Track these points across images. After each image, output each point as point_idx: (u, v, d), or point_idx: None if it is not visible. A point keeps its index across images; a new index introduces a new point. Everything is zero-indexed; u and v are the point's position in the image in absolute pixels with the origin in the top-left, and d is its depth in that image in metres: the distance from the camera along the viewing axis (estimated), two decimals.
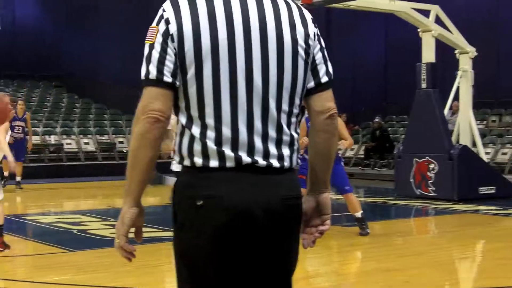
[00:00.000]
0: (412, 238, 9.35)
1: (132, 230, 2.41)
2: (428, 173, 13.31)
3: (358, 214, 8.73)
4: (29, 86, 25.04)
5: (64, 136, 20.41)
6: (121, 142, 21.12)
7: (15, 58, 25.32)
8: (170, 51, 2.33)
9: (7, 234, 8.10)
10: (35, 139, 19.48)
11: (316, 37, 2.49)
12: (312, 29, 2.47)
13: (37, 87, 25.12)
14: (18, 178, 14.89)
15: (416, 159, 13.51)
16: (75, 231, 9.28)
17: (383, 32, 22.98)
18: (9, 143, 14.44)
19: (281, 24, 2.39)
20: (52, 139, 20.06)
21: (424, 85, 13.44)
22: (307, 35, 2.44)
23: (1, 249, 7.62)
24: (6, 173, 13.87)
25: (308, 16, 2.50)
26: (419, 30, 13.56)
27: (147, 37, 2.37)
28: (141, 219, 2.42)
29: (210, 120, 2.34)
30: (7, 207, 12.94)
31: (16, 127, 15.13)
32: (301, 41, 2.42)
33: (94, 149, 20.39)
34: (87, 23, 25.36)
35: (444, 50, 14.44)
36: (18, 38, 25.55)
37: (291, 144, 2.44)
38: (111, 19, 24.95)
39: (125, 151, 20.72)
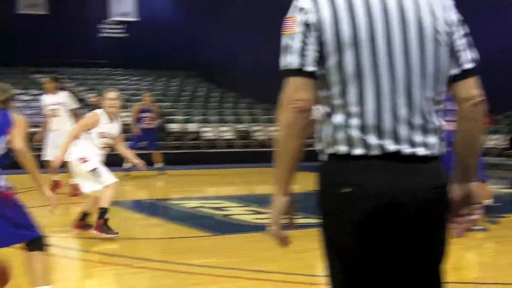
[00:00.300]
0: None
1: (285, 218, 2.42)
2: None
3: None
4: (168, 76, 25.75)
5: (203, 125, 20.85)
6: (257, 131, 21.35)
7: (154, 49, 26.10)
8: (311, 40, 2.33)
9: (153, 218, 8.30)
10: (175, 127, 20.03)
11: (458, 23, 2.45)
12: (453, 15, 2.44)
13: (176, 77, 25.79)
14: (159, 165, 15.30)
15: None
16: (218, 216, 9.41)
17: None
18: (137, 134, 15.07)
19: (420, 12, 2.36)
20: (191, 127, 20.53)
21: None
22: (448, 22, 2.41)
23: (100, 233, 7.56)
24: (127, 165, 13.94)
25: (449, 2, 2.45)
26: None
27: (284, 27, 2.39)
28: (294, 207, 2.45)
29: (353, 108, 2.32)
30: (151, 191, 13.39)
31: (144, 118, 15.61)
32: (442, 28, 2.38)
33: (231, 137, 20.71)
34: (224, 14, 25.76)
35: None
36: (157, 30, 26.32)
37: (435, 132, 2.40)
38: (248, 10, 25.19)
39: (260, 139, 20.96)
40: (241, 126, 21.30)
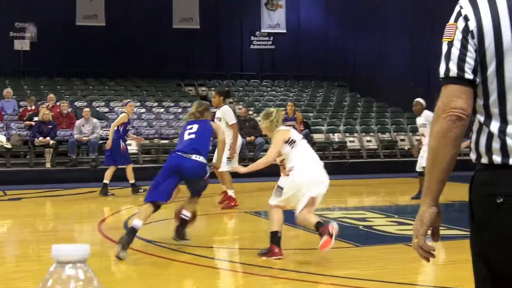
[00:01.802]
0: None
1: (430, 230, 2.41)
2: None
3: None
4: (313, 86, 26.00)
5: (347, 134, 20.90)
6: (402, 140, 21.11)
7: (300, 60, 26.43)
8: (471, 47, 2.30)
9: (295, 228, 8.38)
10: (319, 137, 20.22)
11: None
12: None
13: (321, 87, 25.98)
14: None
15: None
16: (360, 227, 9.44)
17: None
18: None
19: None
20: (336, 137, 20.63)
21: None
22: None
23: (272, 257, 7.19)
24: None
25: None
26: None
27: (445, 34, 2.37)
28: (439, 219, 2.42)
29: (510, 117, 2.28)
30: None
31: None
32: None
33: (376, 147, 20.62)
34: (371, 24, 25.67)
35: None
36: (303, 41, 26.63)
37: None
38: (396, 20, 24.97)
39: (406, 148, 20.71)
40: (385, 136, 21.17)
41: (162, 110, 21.48)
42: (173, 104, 22.13)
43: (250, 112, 21.36)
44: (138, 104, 21.30)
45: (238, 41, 26.39)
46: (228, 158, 11.27)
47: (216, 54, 25.97)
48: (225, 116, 11.55)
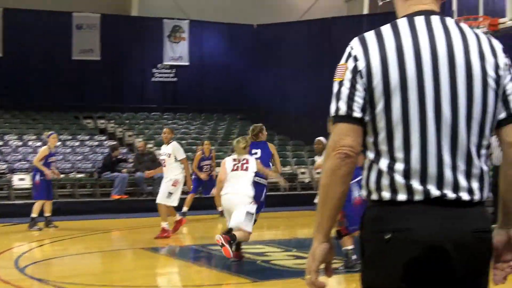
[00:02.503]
0: None
1: (322, 265, 2.42)
2: None
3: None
4: (215, 119, 25.99)
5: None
6: (303, 173, 21.28)
7: (203, 92, 26.40)
8: (359, 86, 2.36)
9: (194, 264, 8.29)
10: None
11: (507, 67, 2.44)
12: (503, 59, 2.44)
13: (223, 120, 26.01)
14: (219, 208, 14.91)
15: None
16: (258, 261, 9.38)
17: None
18: (200, 179, 15.63)
19: (469, 55, 2.37)
20: None
21: None
22: (497, 65, 2.41)
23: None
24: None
25: (498, 46, 2.46)
26: None
27: (335, 74, 2.44)
28: (332, 254, 2.44)
29: (398, 154, 2.34)
30: (193, 236, 13.40)
31: (205, 166, 16.24)
32: (491, 72, 2.39)
33: (276, 180, 20.62)
34: (271, 58, 26.00)
35: None
36: (206, 73, 26.65)
37: (481, 177, 2.38)
38: (296, 54, 25.40)
39: (306, 181, 20.88)
40: (286, 169, 21.30)
41: (59, 143, 20.91)
42: (70, 137, 21.61)
43: (150, 145, 21.10)
44: (34, 137, 20.70)
45: (140, 73, 26.11)
46: (170, 192, 11.89)
47: (117, 86, 25.56)
48: (174, 151, 12.04)
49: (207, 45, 26.93)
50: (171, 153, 12.00)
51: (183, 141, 22.95)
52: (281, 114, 25.29)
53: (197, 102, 26.21)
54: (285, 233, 13.88)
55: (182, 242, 12.48)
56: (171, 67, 26.39)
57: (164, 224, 11.88)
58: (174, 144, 12.17)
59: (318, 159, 12.43)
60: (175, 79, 26.53)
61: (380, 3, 26.82)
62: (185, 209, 14.99)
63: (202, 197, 16.59)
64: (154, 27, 25.83)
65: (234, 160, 8.97)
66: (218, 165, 19.70)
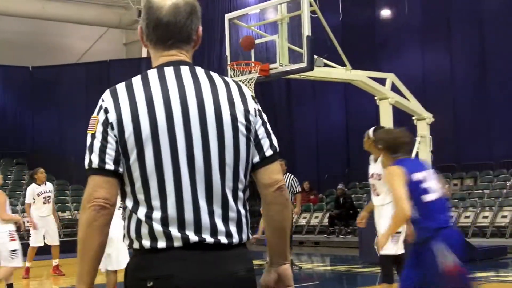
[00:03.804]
0: None
1: None
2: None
3: None
4: None
5: (25, 214, 20.11)
6: None
7: None
8: (111, 139, 2.39)
9: None
10: None
11: (257, 112, 2.53)
12: (252, 105, 2.52)
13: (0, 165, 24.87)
14: None
15: None
16: None
17: (343, 100, 23.35)
18: None
19: (219, 102, 2.44)
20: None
21: None
22: (247, 111, 2.48)
23: None
24: None
25: (248, 93, 2.54)
26: (376, 98, 13.81)
27: (88, 127, 2.45)
28: None
29: (155, 202, 2.37)
30: None
31: None
32: (241, 118, 2.46)
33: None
34: (49, 100, 25.40)
35: (403, 116, 14.71)
36: None
37: (238, 220, 2.45)
38: (75, 96, 25.04)
39: None
40: (66, 215, 20.80)
41: None
42: None
43: None
44: None
45: None
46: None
47: None
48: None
49: None
50: None
51: None
52: (60, 158, 24.71)
53: None
54: (66, 281, 13.48)
55: None
56: None
57: None
58: None
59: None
60: None
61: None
62: None
63: None
64: None
65: None
66: None
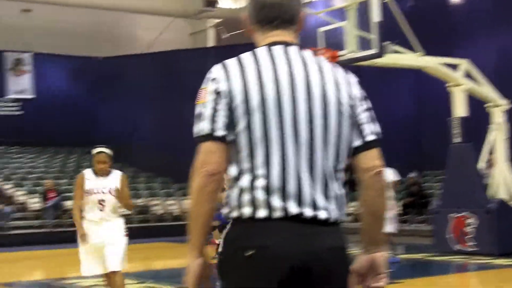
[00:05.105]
0: None
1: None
2: (466, 228, 13.13)
3: None
4: (65, 153, 25.40)
5: None
6: (155, 205, 21.20)
7: (50, 125, 25.73)
8: (222, 107, 2.43)
9: None
10: (70, 204, 19.69)
11: (361, 98, 2.59)
12: (357, 90, 2.58)
13: (73, 154, 25.45)
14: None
15: (453, 214, 13.35)
16: None
17: (414, 87, 22.97)
18: None
19: (326, 84, 2.49)
20: None
21: (457, 140, 13.37)
22: (351, 96, 2.54)
23: None
24: None
25: (353, 78, 2.60)
26: (448, 84, 13.55)
27: (198, 98, 2.48)
28: (208, 270, 2.47)
29: (260, 171, 2.40)
30: (48, 270, 13.02)
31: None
32: (346, 101, 2.52)
33: (129, 212, 20.46)
34: (118, 89, 25.86)
35: (476, 103, 14.36)
36: (53, 107, 26.03)
37: (337, 198, 2.48)
38: (145, 87, 25.41)
39: (159, 213, 20.80)
40: (139, 201, 21.16)
41: None
42: None
43: None
44: None
45: None
46: None
47: None
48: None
49: (52, 78, 26.40)
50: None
51: (31, 175, 22.30)
52: (131, 146, 25.14)
53: (45, 136, 25.50)
54: (140, 265, 13.74)
55: (31, 277, 12.09)
56: (15, 100, 25.58)
57: None
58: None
59: None
60: (20, 112, 25.73)
61: (224, 37, 27.40)
62: None
63: None
64: None
65: None
66: (65, 199, 19.35)
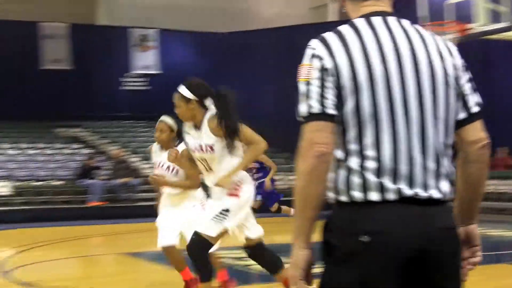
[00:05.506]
0: None
1: None
2: None
3: None
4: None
5: None
6: (279, 180, 21.38)
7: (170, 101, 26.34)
8: (329, 84, 2.32)
9: (169, 267, 8.21)
10: None
11: (464, 68, 2.49)
12: (459, 60, 2.48)
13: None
14: None
15: None
16: (238, 266, 9.34)
17: None
18: None
19: (430, 55, 2.39)
20: None
21: None
22: (455, 66, 2.45)
23: None
24: None
25: (454, 47, 2.50)
26: None
27: (300, 75, 2.37)
28: (313, 259, 2.37)
29: (370, 152, 2.31)
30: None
31: None
32: (451, 72, 2.42)
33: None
34: (242, 65, 26.14)
35: None
36: (179, 81, 26.51)
37: (447, 176, 2.41)
38: (264, 60, 25.58)
39: (281, 188, 20.96)
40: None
41: (37, 151, 21.13)
42: (44, 146, 21.66)
43: (124, 153, 21.20)
44: (9, 146, 20.81)
45: (109, 82, 26.04)
46: None
47: (87, 95, 25.45)
48: None
49: (178, 53, 26.97)
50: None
51: None
52: (254, 121, 25.38)
53: (172, 110, 26.10)
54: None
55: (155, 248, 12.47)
56: (143, 75, 26.37)
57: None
58: None
59: None
60: (148, 87, 26.51)
61: (344, 11, 27.12)
62: None
63: None
64: (121, 36, 25.80)
65: None
66: None
